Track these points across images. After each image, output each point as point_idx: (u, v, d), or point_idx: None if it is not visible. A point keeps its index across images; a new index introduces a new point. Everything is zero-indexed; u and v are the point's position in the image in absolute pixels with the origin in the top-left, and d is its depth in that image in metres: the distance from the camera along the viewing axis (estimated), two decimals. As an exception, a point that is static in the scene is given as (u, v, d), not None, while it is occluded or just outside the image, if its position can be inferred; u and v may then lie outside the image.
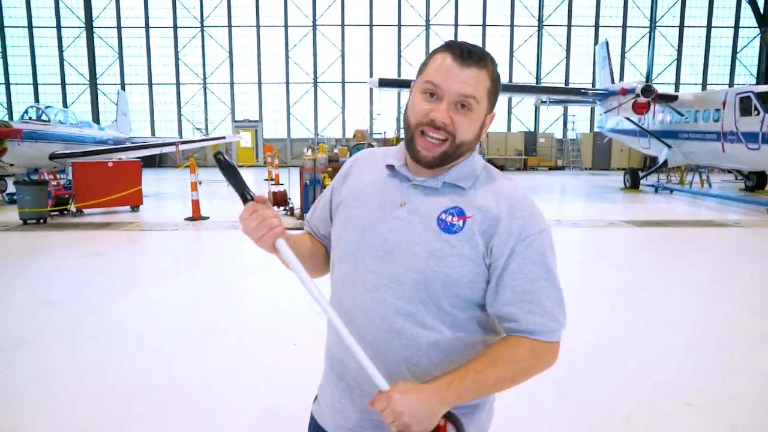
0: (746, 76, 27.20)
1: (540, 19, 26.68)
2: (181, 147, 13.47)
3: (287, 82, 27.11)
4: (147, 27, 26.54)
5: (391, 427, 1.08)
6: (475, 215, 1.15)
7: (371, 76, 26.94)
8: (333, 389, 1.29)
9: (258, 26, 26.53)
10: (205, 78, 27.00)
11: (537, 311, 1.15)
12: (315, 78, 27.12)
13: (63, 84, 26.70)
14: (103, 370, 3.67)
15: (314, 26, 26.63)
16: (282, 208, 10.71)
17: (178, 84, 27.07)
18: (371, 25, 26.64)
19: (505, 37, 26.87)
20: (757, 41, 26.80)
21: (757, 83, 26.34)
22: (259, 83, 27.06)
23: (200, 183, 16.57)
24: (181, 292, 5.69)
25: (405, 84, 14.89)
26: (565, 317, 1.19)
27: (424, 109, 1.14)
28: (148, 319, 4.75)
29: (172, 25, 26.58)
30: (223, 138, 17.17)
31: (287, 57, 26.89)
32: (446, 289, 1.15)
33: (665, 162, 15.53)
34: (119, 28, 26.47)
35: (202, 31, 26.63)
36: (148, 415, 3.07)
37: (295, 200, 10.99)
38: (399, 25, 26.67)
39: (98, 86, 26.92)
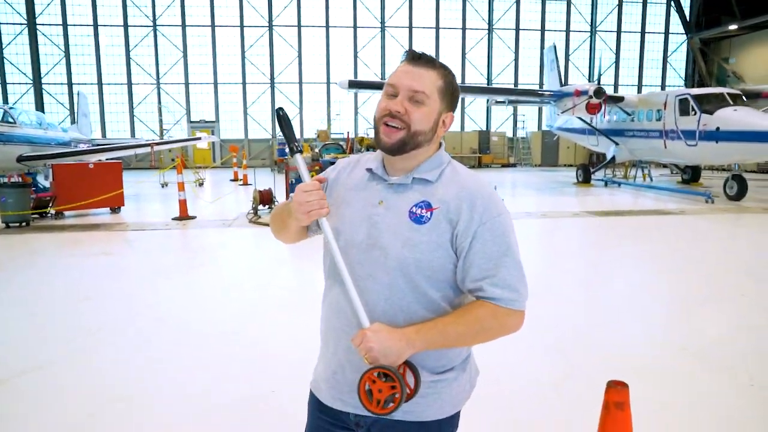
0: (676, 78, 29.47)
1: (490, 23, 27.86)
2: (155, 148, 13.40)
3: (244, 83, 27.03)
4: (96, 25, 25.74)
5: (364, 359, 1.26)
6: (440, 206, 1.32)
7: (328, 77, 27.34)
8: (327, 365, 1.46)
9: (213, 26, 26.31)
10: (158, 78, 26.50)
11: (499, 284, 1.31)
12: (272, 78, 27.17)
13: (3, 83, 25.48)
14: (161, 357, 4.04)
15: (270, 27, 26.68)
16: (267, 206, 11.01)
17: (129, 84, 26.43)
18: (327, 27, 26.97)
19: (457, 40, 27.87)
20: (685, 46, 29.12)
21: (685, 85, 28.65)
22: (215, 83, 26.84)
23: (164, 185, 16.59)
24: (209, 283, 6.02)
25: (375, 86, 15.45)
26: (526, 289, 1.34)
27: (385, 105, 1.34)
28: (191, 302, 5.10)
29: (122, 24, 25.92)
30: (199, 138, 17.06)
31: (243, 57, 26.80)
32: (420, 272, 1.31)
33: (613, 158, 16.82)
34: (65, 25, 25.54)
35: (155, 30, 26.12)
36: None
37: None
38: (355, 27, 27.13)
39: (43, 86, 25.88)
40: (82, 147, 14.62)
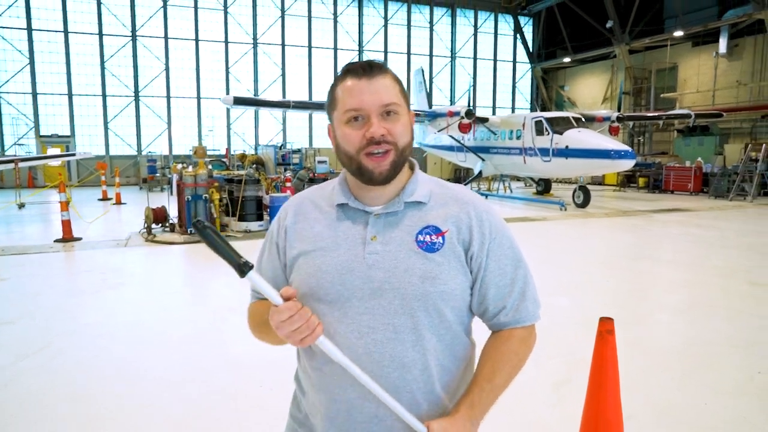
0: (523, 102, 33.25)
1: (360, 44, 29.12)
2: (20, 164, 12.09)
3: (104, 95, 25.12)
4: None
5: None
6: (450, 228, 1.19)
7: (198, 91, 26.50)
8: None
9: (66, 32, 24.13)
10: (-2, 87, 23.61)
11: (519, 300, 1.23)
12: (136, 91, 25.62)
13: None
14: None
15: (134, 37, 25.19)
16: (160, 225, 10.62)
17: (-38, 93, 23.22)
18: (197, 40, 26.18)
19: (329, 59, 28.64)
20: (530, 74, 33.03)
21: (531, 108, 32.46)
22: (70, 95, 24.56)
23: (20, 207, 14.97)
24: (140, 299, 5.87)
25: (261, 103, 15.47)
26: (538, 298, 1.28)
27: (358, 134, 1.15)
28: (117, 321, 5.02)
29: (-49, 24, 22.74)
30: (73, 155, 15.53)
31: (103, 68, 24.95)
32: (446, 305, 1.17)
33: (480, 172, 18.66)
34: None
35: (-6, 34, 23.30)
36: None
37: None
38: (226, 42, 26.70)
39: None
40: None
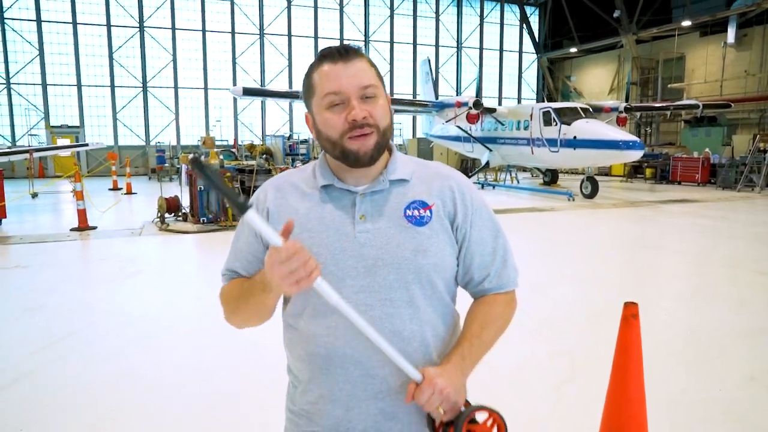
0: (529, 92, 33.17)
1: (366, 35, 29.10)
2: (34, 155, 12.27)
3: (112, 86, 25.25)
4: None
5: (437, 412, 1.13)
6: (436, 202, 1.23)
7: (206, 82, 26.60)
8: (335, 396, 1.20)
9: (75, 23, 24.25)
10: (8, 78, 23.74)
11: (501, 267, 1.30)
12: (144, 82, 25.74)
13: None
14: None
15: (141, 28, 25.29)
16: (173, 214, 10.78)
17: (-28, 83, 23.39)
18: (204, 31, 26.24)
19: (336, 50, 28.63)
20: (536, 64, 32.92)
21: (537, 99, 32.39)
22: (79, 85, 24.72)
23: (33, 196, 15.17)
24: (161, 287, 6.04)
25: (270, 94, 15.57)
26: (517, 265, 1.34)
27: (339, 118, 1.15)
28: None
29: (-39, 16, 22.88)
30: (86, 145, 15.70)
31: (111, 59, 25.07)
32: (438, 276, 1.21)
33: (488, 163, 18.71)
34: None
35: (3, 25, 23.41)
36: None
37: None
38: (233, 32, 26.74)
39: None
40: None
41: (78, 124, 24.76)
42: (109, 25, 24.81)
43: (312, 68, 1.19)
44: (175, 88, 26.26)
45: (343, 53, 1.16)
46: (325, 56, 1.17)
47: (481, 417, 1.15)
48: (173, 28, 25.78)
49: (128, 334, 4.55)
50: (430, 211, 1.21)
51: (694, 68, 25.30)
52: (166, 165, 22.01)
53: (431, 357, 1.21)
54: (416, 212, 1.20)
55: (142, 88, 25.77)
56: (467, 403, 1.18)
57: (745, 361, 4.06)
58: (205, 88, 26.66)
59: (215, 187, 0.97)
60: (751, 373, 3.80)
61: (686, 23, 23.78)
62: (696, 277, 6.69)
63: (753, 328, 4.76)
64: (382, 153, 1.20)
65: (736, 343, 4.42)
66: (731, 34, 23.01)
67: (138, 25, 25.22)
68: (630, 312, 2.28)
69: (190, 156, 1.12)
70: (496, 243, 1.29)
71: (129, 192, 16.56)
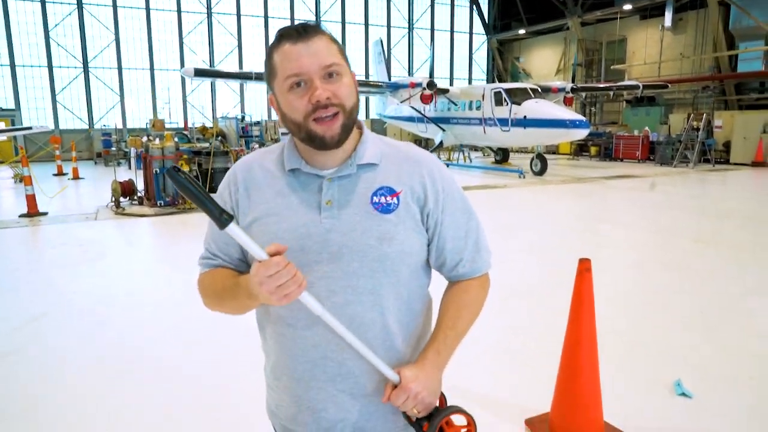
0: (480, 73, 33.77)
1: (317, 15, 28.77)
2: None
3: (50, 66, 24.03)
4: None
5: (411, 412, 1.16)
6: (404, 189, 1.19)
7: (151, 63, 25.71)
8: (315, 397, 1.21)
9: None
10: (-67, 57, 22.23)
11: (474, 251, 1.28)
12: (85, 62, 24.60)
13: None
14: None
15: (80, 5, 24.07)
16: (128, 198, 10.56)
17: None
18: (148, 9, 25.26)
19: (286, 30, 28.20)
20: (486, 45, 33.50)
21: (487, 80, 33.02)
22: (12, 65, 23.35)
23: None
24: (132, 268, 6.01)
25: (223, 74, 15.27)
26: (489, 247, 1.34)
27: (302, 100, 1.11)
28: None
29: None
30: (29, 128, 14.91)
31: (48, 37, 23.80)
32: (404, 264, 1.19)
33: (441, 143, 19.07)
34: None
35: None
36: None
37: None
38: (179, 11, 25.87)
39: None
40: None
41: (13, 106, 23.48)
42: (43, 1, 23.49)
43: (272, 49, 1.15)
44: (119, 68, 25.24)
45: (302, 32, 1.12)
46: (284, 36, 1.13)
47: (456, 419, 1.18)
48: (114, 6, 24.68)
49: (102, 313, 4.57)
50: (398, 198, 1.18)
51: (635, 50, 26.42)
52: (113, 149, 21.24)
53: (393, 343, 1.21)
54: (383, 199, 1.17)
55: (83, 69, 24.64)
56: (442, 398, 1.24)
57: (680, 310, 4.54)
58: (151, 69, 25.76)
59: (194, 198, 0.94)
60: (683, 322, 4.26)
61: (627, 7, 24.77)
62: (641, 245, 7.22)
63: (689, 289, 5.26)
64: (349, 134, 1.17)
65: (672, 297, 4.90)
66: (668, 18, 24.15)
67: (75, 1, 24.00)
68: (584, 266, 2.60)
69: (170, 165, 1.08)
70: (469, 226, 1.28)
71: (76, 177, 15.99)
